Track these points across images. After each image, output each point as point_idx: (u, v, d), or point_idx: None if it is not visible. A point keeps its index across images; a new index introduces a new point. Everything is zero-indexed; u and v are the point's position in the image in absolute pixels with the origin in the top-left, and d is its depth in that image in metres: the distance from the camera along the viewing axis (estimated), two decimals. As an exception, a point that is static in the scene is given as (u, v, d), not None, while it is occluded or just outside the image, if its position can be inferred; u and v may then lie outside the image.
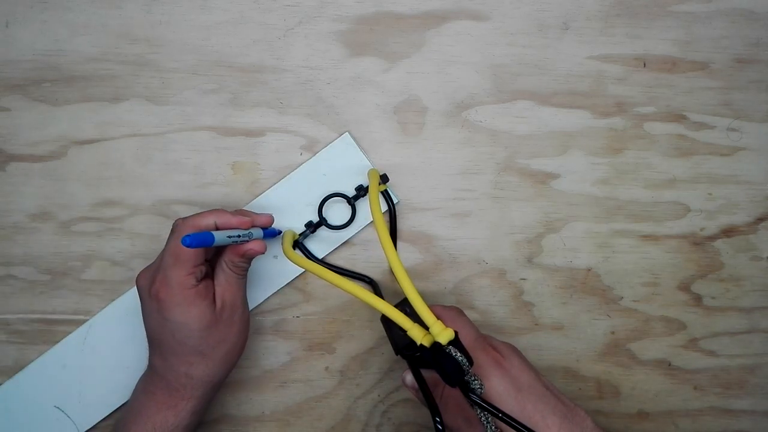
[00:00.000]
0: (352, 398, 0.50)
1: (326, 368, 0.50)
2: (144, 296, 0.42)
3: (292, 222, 0.49)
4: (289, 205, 0.49)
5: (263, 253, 0.44)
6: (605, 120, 0.50)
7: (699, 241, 0.51)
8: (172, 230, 0.43)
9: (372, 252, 0.49)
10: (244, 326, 0.44)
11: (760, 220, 0.51)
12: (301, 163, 0.49)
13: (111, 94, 0.49)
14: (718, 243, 0.51)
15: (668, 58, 0.50)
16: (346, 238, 0.49)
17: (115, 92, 0.49)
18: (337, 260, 0.50)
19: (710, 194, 0.51)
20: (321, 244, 0.49)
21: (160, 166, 0.49)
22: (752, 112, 0.50)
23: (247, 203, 0.49)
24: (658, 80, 0.50)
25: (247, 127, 0.49)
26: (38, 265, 0.49)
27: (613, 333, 0.51)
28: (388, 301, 0.38)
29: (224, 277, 0.43)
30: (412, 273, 0.50)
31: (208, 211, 0.43)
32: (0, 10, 0.48)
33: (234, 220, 0.43)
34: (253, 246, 0.43)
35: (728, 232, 0.51)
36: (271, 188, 0.49)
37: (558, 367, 0.51)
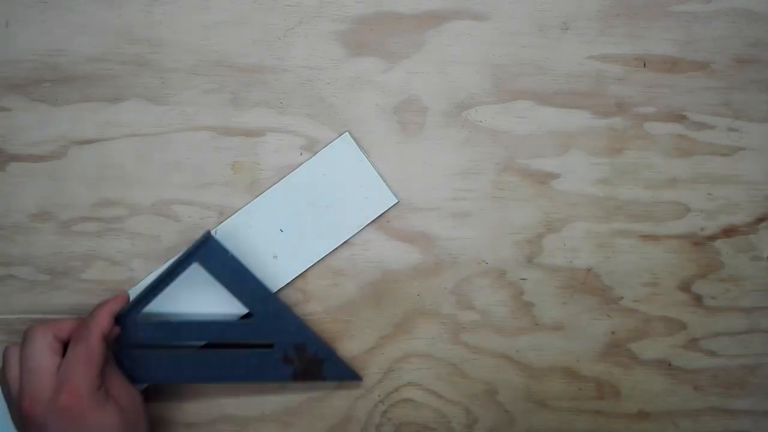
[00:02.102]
0: (352, 398, 0.50)
1: (326, 368, 0.50)
2: (41, 417, 0.40)
3: (292, 223, 0.49)
4: (290, 205, 0.49)
5: None
6: (605, 120, 0.50)
7: (699, 241, 0.51)
8: (29, 340, 0.41)
9: (372, 252, 0.49)
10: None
11: (760, 220, 0.51)
12: (301, 163, 0.49)
13: (111, 94, 0.49)
14: (718, 243, 0.51)
15: (668, 58, 0.50)
16: (346, 238, 0.49)
17: (115, 92, 0.49)
18: (338, 260, 0.49)
19: (710, 194, 0.51)
20: (320, 240, 0.49)
21: (160, 166, 0.49)
22: (752, 112, 0.50)
23: (247, 203, 0.49)
24: (658, 80, 0.50)
25: (247, 127, 0.49)
26: (38, 265, 0.49)
27: (613, 333, 0.51)
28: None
29: (121, 379, 0.44)
30: (412, 273, 0.50)
31: (61, 320, 0.43)
32: (0, 10, 0.48)
33: (107, 314, 0.43)
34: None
35: (728, 232, 0.51)
36: (271, 188, 0.49)
37: (558, 368, 0.51)
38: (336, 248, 0.49)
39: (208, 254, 0.46)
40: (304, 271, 0.49)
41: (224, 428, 0.50)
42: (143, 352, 0.46)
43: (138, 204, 0.49)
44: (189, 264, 0.46)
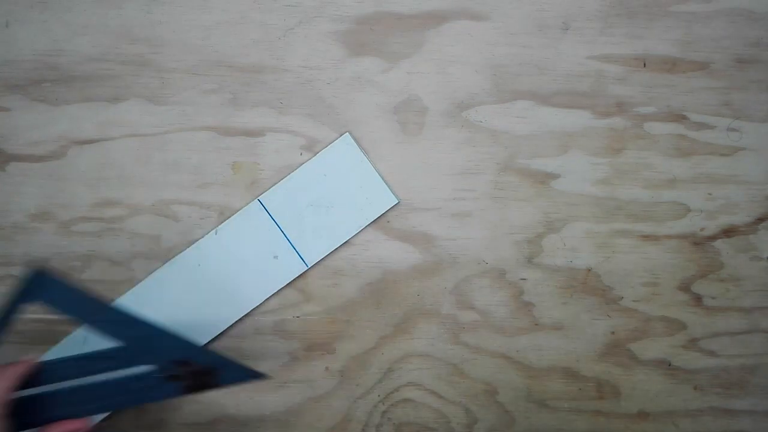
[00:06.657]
0: (352, 398, 0.50)
1: (326, 368, 0.50)
2: None
3: (293, 224, 0.49)
4: (290, 205, 0.49)
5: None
6: (605, 120, 0.50)
7: (699, 241, 0.51)
8: None
9: (372, 252, 0.49)
10: None
11: (760, 220, 0.51)
12: (302, 163, 0.49)
13: (111, 94, 0.49)
14: (718, 243, 0.51)
15: (668, 58, 0.50)
16: (346, 239, 0.49)
17: (115, 92, 0.49)
18: (337, 261, 0.49)
19: (710, 194, 0.51)
20: (320, 240, 0.49)
21: (160, 166, 0.49)
22: (752, 112, 0.50)
23: (247, 203, 0.49)
24: (658, 80, 0.50)
25: (247, 127, 0.49)
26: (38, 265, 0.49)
27: (613, 333, 0.51)
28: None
29: None
30: (412, 273, 0.50)
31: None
32: (0, 10, 0.48)
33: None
34: (80, 426, 0.41)
35: (728, 232, 0.51)
36: (271, 189, 0.49)
37: (558, 367, 0.51)
38: (336, 248, 0.49)
39: (44, 292, 0.41)
40: (305, 272, 0.49)
41: (224, 428, 0.50)
42: (19, 400, 0.42)
43: (138, 204, 0.49)
44: (21, 308, 0.41)
